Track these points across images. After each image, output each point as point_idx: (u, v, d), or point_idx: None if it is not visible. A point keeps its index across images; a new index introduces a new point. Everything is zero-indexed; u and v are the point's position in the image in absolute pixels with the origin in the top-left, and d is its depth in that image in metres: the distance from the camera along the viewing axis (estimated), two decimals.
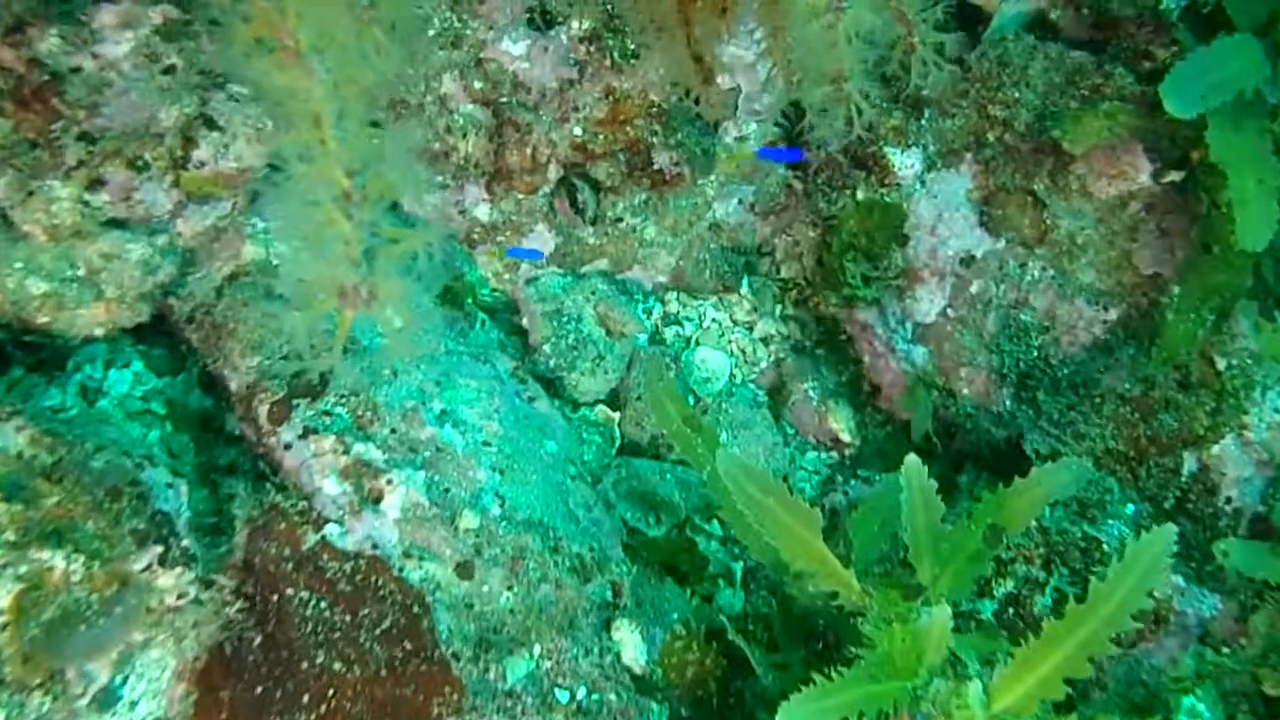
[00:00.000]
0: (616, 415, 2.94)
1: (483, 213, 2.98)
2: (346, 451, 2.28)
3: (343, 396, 2.36)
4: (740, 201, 3.11)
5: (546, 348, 2.89)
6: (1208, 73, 2.41)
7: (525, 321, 2.92)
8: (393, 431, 2.37)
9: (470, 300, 2.92)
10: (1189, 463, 2.73)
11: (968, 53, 2.97)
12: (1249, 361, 2.71)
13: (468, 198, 2.96)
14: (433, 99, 2.87)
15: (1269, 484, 2.71)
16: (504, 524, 2.35)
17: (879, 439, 3.08)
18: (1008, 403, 2.76)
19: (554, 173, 2.95)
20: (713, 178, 3.06)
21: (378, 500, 2.25)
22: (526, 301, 2.92)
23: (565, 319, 2.91)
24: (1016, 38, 2.88)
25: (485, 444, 2.48)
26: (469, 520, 2.31)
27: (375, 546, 2.21)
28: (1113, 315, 2.72)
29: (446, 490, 2.34)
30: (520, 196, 2.96)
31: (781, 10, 1.80)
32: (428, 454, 2.38)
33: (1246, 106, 2.49)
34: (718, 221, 3.11)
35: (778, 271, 3.22)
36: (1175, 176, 2.68)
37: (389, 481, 2.28)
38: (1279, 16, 2.57)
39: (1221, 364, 2.71)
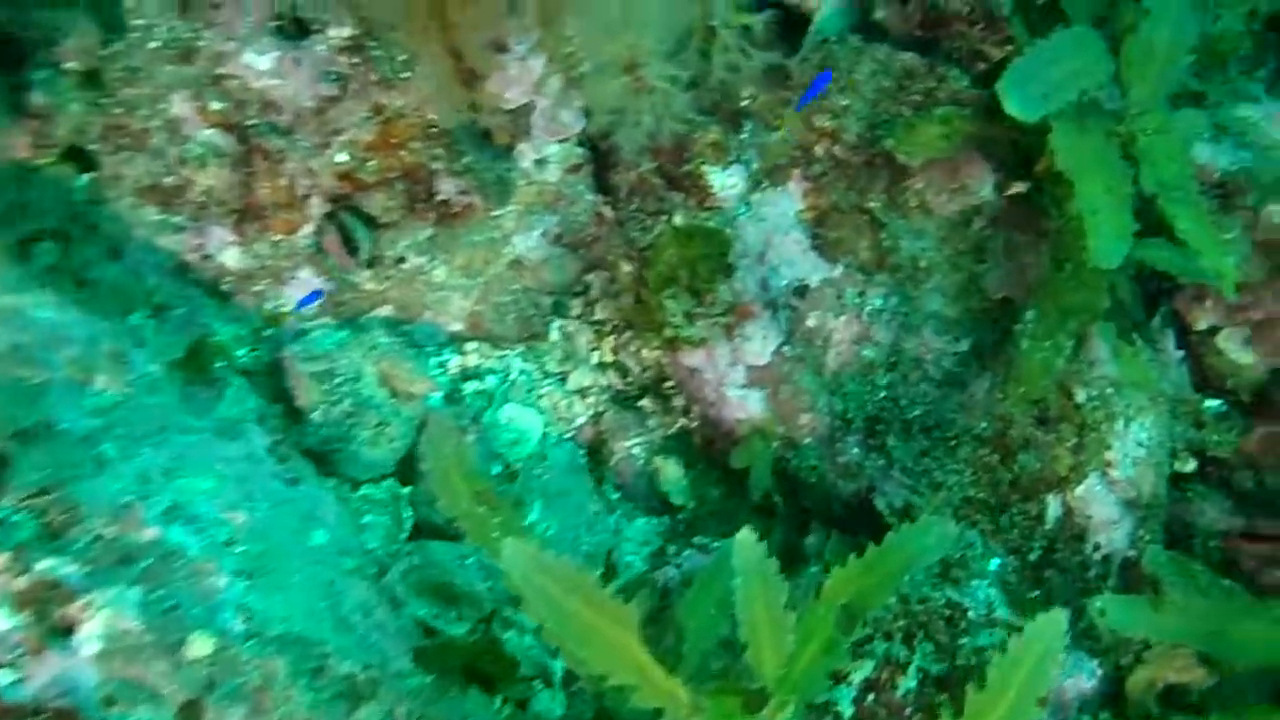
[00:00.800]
0: (406, 491, 2.52)
1: (232, 258, 2.53)
2: (26, 570, 1.79)
3: (26, 497, 1.87)
4: (544, 233, 2.75)
5: (317, 415, 2.45)
6: (1047, 70, 2.19)
7: (291, 385, 2.47)
8: (97, 538, 1.89)
9: (220, 363, 2.46)
10: (1053, 507, 2.49)
11: (789, 59, 2.70)
12: (1109, 391, 2.49)
13: (212, 240, 2.51)
14: (160, 123, 2.42)
15: (1137, 524, 2.49)
16: (249, 644, 1.89)
17: (715, 499, 2.75)
18: (855, 451, 2.47)
19: (317, 207, 2.53)
20: (510, 207, 2.69)
21: (69, 631, 1.77)
22: (292, 361, 2.47)
23: (340, 380, 2.48)
24: (840, 40, 2.63)
25: (228, 543, 2.02)
26: (200, 645, 1.84)
27: (66, 693, 1.73)
28: (964, 346, 2.46)
29: (171, 608, 1.87)
30: (277, 237, 2.53)
31: None
32: (147, 563, 1.90)
33: (1090, 108, 2.28)
34: (519, 258, 2.74)
35: (592, 312, 2.87)
36: (1020, 188, 2.46)
37: (87, 604, 1.80)
38: (1116, 6, 2.37)
39: (1080, 395, 2.48)
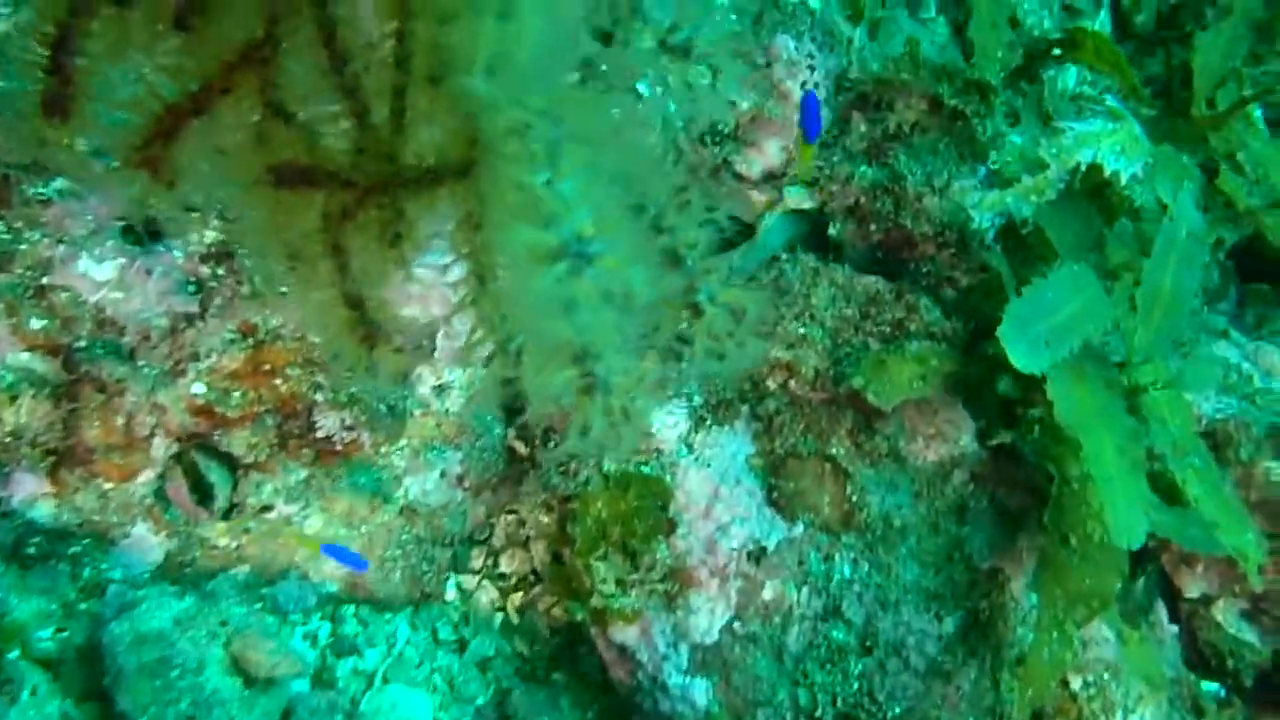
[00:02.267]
0: None
1: (44, 513, 2.06)
2: None
3: None
4: (443, 474, 2.36)
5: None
6: (1047, 314, 1.95)
7: (110, 683, 1.98)
8: None
9: (13, 653, 1.97)
10: None
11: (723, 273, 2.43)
12: (1106, 677, 2.20)
13: (18, 492, 2.04)
14: None
15: None
16: None
17: None
18: None
19: (162, 449, 2.10)
20: (404, 443, 2.31)
21: None
22: (113, 648, 1.99)
23: (177, 671, 2.00)
24: (793, 258, 2.38)
25: None
26: None
27: None
28: (948, 626, 2.14)
29: None
30: (108, 485, 2.08)
31: (487, 245, 1.12)
32: None
33: (1087, 354, 2.05)
34: (412, 503, 2.34)
35: (496, 565, 2.47)
36: (1005, 438, 2.19)
37: None
38: (1106, 242, 2.18)
39: (1076, 683, 2.19)
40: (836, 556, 2.17)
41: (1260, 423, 2.39)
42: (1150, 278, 2.04)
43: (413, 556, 2.39)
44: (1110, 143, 2.15)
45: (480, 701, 2.38)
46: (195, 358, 2.06)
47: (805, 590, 2.15)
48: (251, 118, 1.27)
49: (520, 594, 2.48)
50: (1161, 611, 2.42)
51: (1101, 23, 3.54)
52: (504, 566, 2.49)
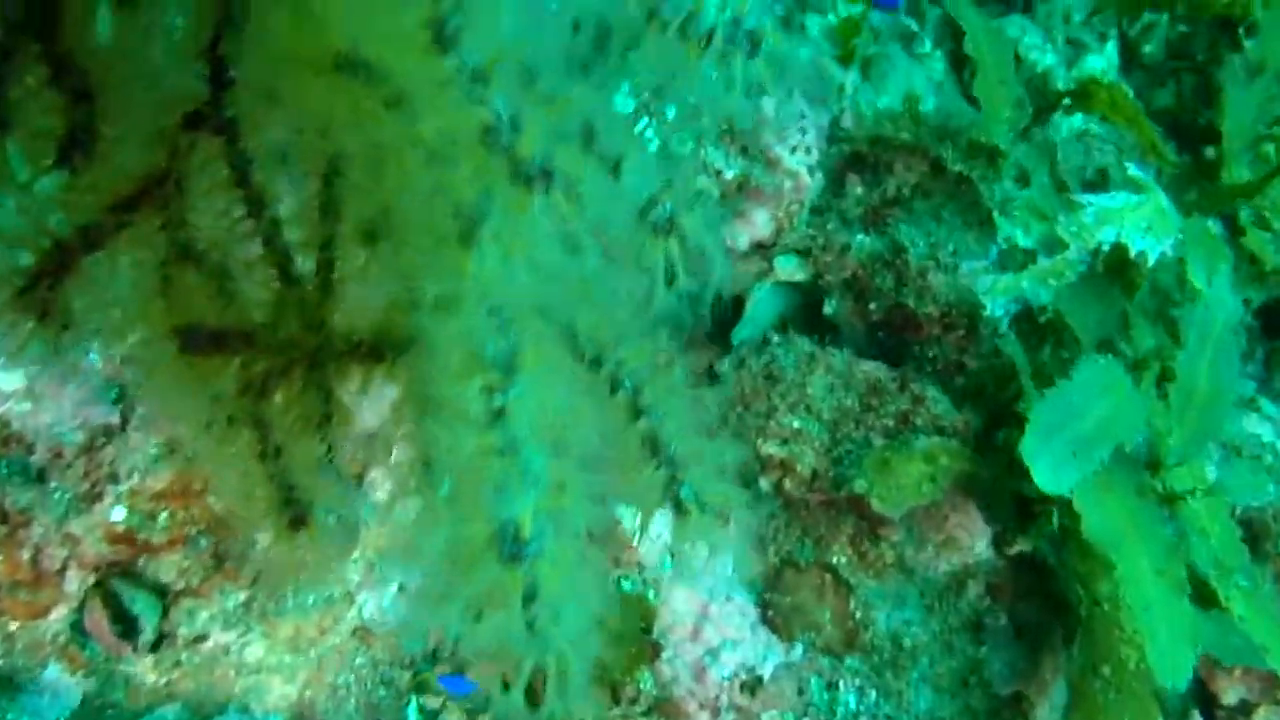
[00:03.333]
0: None
1: None
2: None
3: None
4: (401, 588, 2.18)
5: None
6: (1073, 420, 1.80)
7: None
8: None
9: None
10: None
11: (716, 359, 2.29)
12: None
13: None
14: None
15: None
16: None
17: None
18: None
19: (77, 582, 1.92)
20: (356, 556, 2.13)
21: None
22: None
23: None
24: (786, 341, 2.22)
25: None
26: None
27: None
28: None
29: None
30: (13, 625, 1.90)
31: (431, 444, 0.95)
32: None
33: (1116, 457, 1.90)
34: (365, 624, 2.16)
35: (459, 686, 2.29)
36: (1024, 546, 2.04)
37: None
38: (1130, 326, 2.03)
39: None
40: (841, 683, 2.01)
41: None
42: (1185, 372, 1.90)
43: (368, 681, 2.21)
44: (1135, 219, 2.01)
45: None
46: (114, 478, 1.88)
47: None
48: (155, 258, 1.10)
49: (488, 715, 2.31)
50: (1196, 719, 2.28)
51: (1108, 55, 3.42)
52: (468, 686, 2.32)
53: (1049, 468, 1.70)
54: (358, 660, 2.19)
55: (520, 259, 0.87)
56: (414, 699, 2.28)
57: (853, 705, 1.99)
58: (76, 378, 1.90)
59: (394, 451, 1.24)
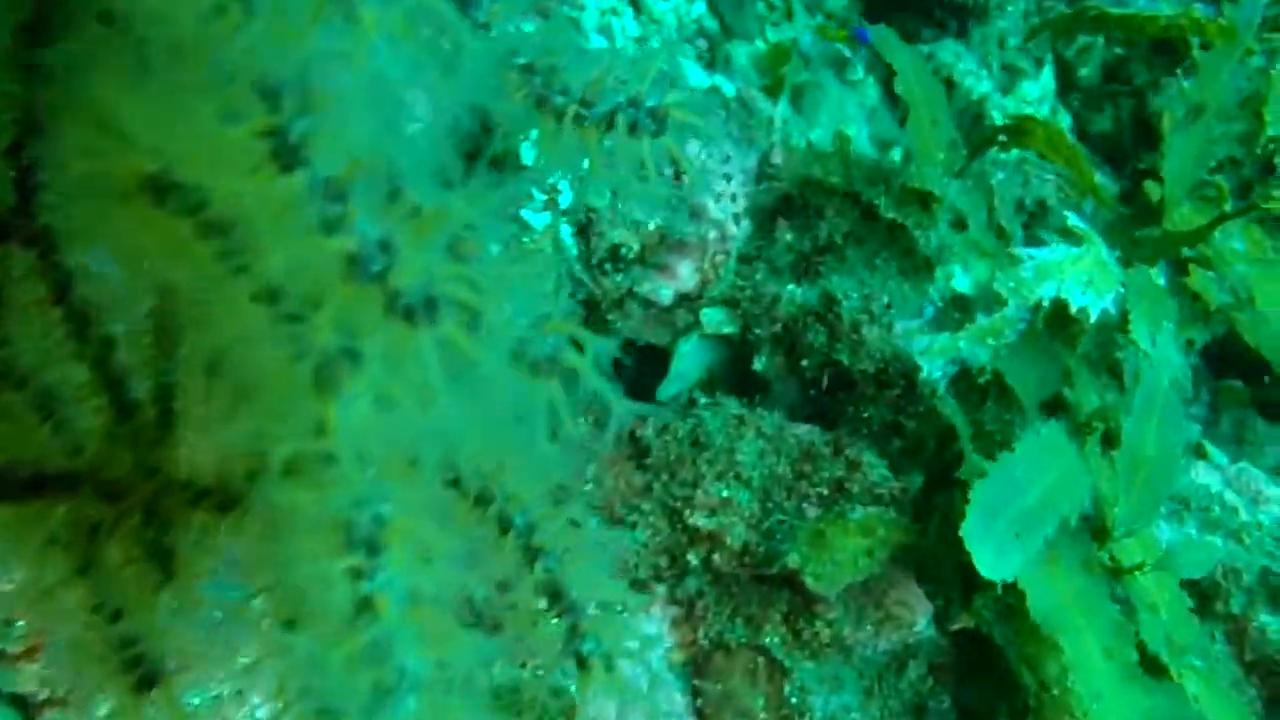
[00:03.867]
0: None
1: None
2: None
3: None
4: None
5: None
6: (1016, 497, 1.71)
7: None
8: None
9: None
10: None
11: (634, 421, 2.18)
12: None
13: None
14: None
15: None
16: None
17: None
18: None
19: None
20: (242, 660, 1.98)
21: None
22: None
23: None
24: (713, 404, 2.12)
25: None
26: None
27: None
28: None
29: None
30: None
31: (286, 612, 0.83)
32: None
33: (1060, 526, 1.82)
34: None
35: None
36: (968, 623, 1.96)
37: None
38: (1074, 384, 1.96)
39: None
40: None
41: (1251, 567, 2.19)
42: (1132, 437, 1.82)
43: None
44: (1075, 272, 1.93)
45: None
46: None
47: None
48: None
49: None
50: None
51: (1044, 81, 3.37)
52: None
53: (992, 553, 1.61)
54: None
55: (403, 405, 0.75)
56: None
57: None
58: None
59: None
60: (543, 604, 0.92)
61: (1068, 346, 1.95)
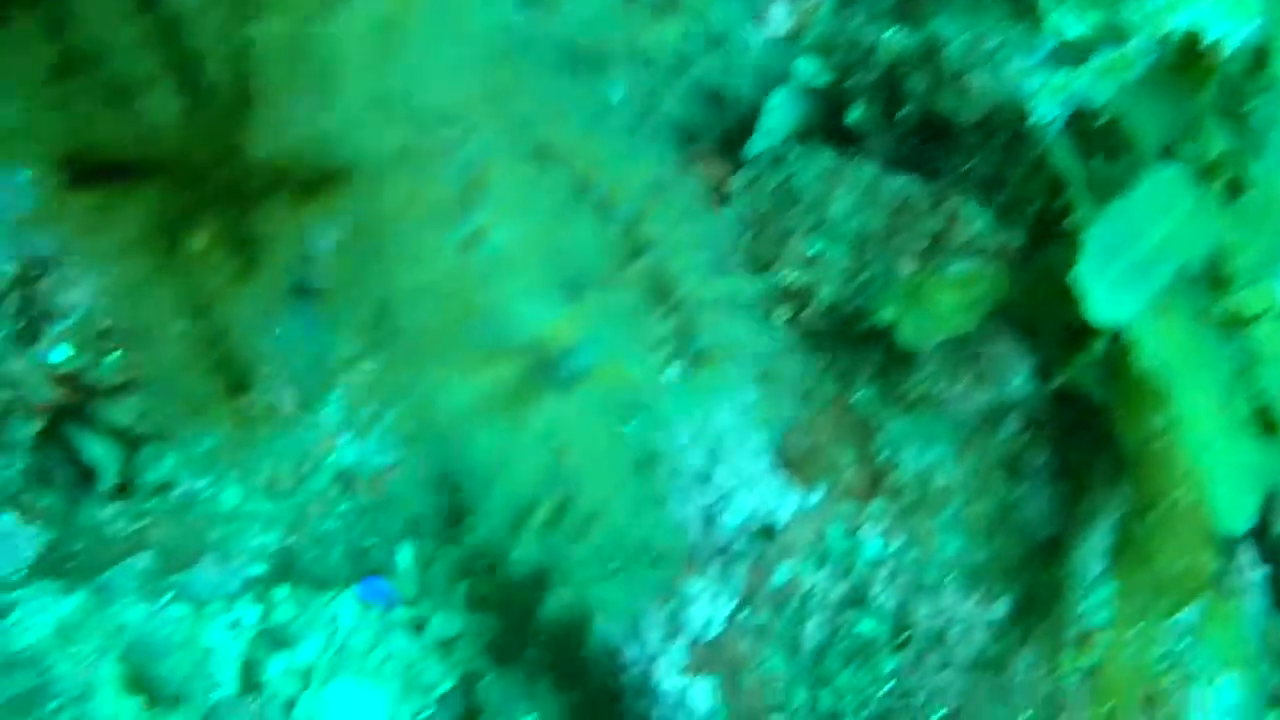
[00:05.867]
0: None
1: None
2: None
3: None
4: (389, 429, 2.07)
5: None
6: (1133, 241, 1.63)
7: None
8: None
9: None
10: None
11: (731, 177, 2.11)
12: (1180, 647, 1.97)
13: None
14: None
15: None
16: None
17: None
18: None
19: (26, 427, 1.80)
20: (335, 398, 2.01)
21: None
22: None
23: (54, 703, 1.75)
24: (804, 153, 2.03)
25: None
26: None
27: None
28: (1000, 610, 1.89)
29: None
30: None
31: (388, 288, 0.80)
32: None
33: (1177, 274, 1.73)
34: (348, 468, 2.06)
35: (457, 530, 2.21)
36: (1067, 378, 1.90)
37: None
38: (1199, 130, 1.83)
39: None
40: (862, 529, 1.90)
41: None
42: (1262, 181, 1.71)
43: (354, 528, 2.12)
44: (1211, 2, 1.78)
45: (443, 689, 2.15)
46: (53, 315, 1.73)
47: (825, 572, 1.89)
48: (40, 66, 0.92)
49: (488, 559, 2.23)
50: (1249, 549, 2.18)
51: None
52: (466, 529, 2.23)
53: (1106, 296, 1.54)
54: (341, 506, 2.09)
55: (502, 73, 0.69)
56: (406, 543, 2.20)
57: (876, 551, 1.89)
58: (2, 197, 1.73)
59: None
60: (648, 298, 0.88)
61: (1195, 86, 1.81)
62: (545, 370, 0.74)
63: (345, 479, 2.06)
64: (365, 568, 2.14)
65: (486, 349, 0.71)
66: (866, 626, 1.86)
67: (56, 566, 1.90)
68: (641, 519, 0.97)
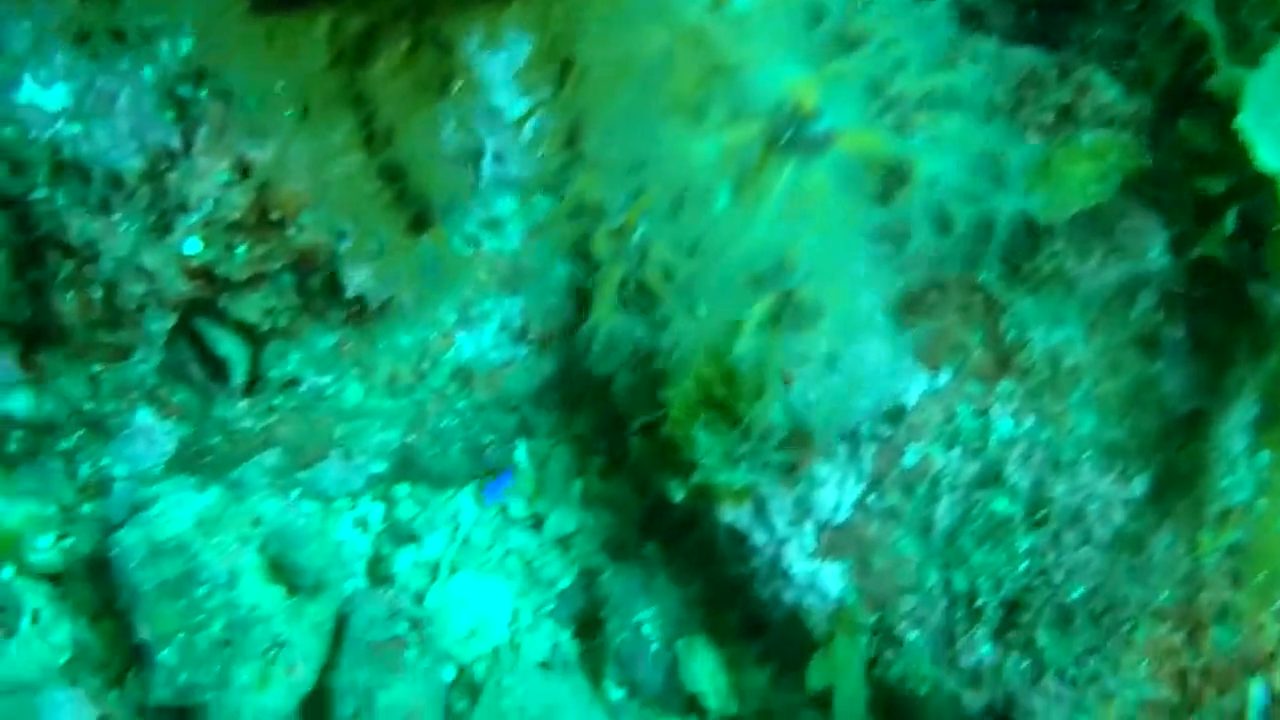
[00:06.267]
0: None
1: (22, 404, 1.80)
2: None
3: None
4: (503, 326, 2.07)
5: (169, 654, 1.74)
6: None
7: (123, 604, 1.76)
8: None
9: (8, 568, 1.75)
10: (1256, 695, 1.92)
11: None
12: None
13: None
14: None
15: None
16: None
17: (760, 690, 2.11)
18: (987, 650, 1.85)
19: (160, 321, 1.81)
20: (452, 294, 2.00)
21: None
22: (122, 564, 1.76)
23: (203, 588, 1.77)
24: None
25: None
26: None
27: None
28: (1139, 488, 1.85)
29: None
30: (98, 367, 1.81)
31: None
32: None
33: None
34: (465, 364, 2.06)
35: (570, 425, 2.21)
36: (1205, 250, 1.83)
37: None
38: None
39: None
40: (993, 410, 1.86)
41: None
42: None
43: (472, 425, 2.12)
44: None
45: (563, 585, 2.16)
46: (184, 208, 1.74)
47: (956, 453, 1.86)
48: None
49: (604, 456, 2.22)
50: None
51: None
52: (580, 426, 2.23)
53: (1272, 143, 1.48)
54: (460, 403, 2.09)
55: None
56: (521, 442, 2.20)
57: (1008, 431, 1.85)
58: (127, 94, 1.74)
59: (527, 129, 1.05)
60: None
61: None
62: (788, 133, 0.72)
63: (463, 375, 2.06)
64: (483, 465, 2.14)
65: (729, 109, 0.69)
66: (1001, 505, 1.82)
67: (192, 462, 1.93)
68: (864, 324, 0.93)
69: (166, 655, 1.72)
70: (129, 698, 1.70)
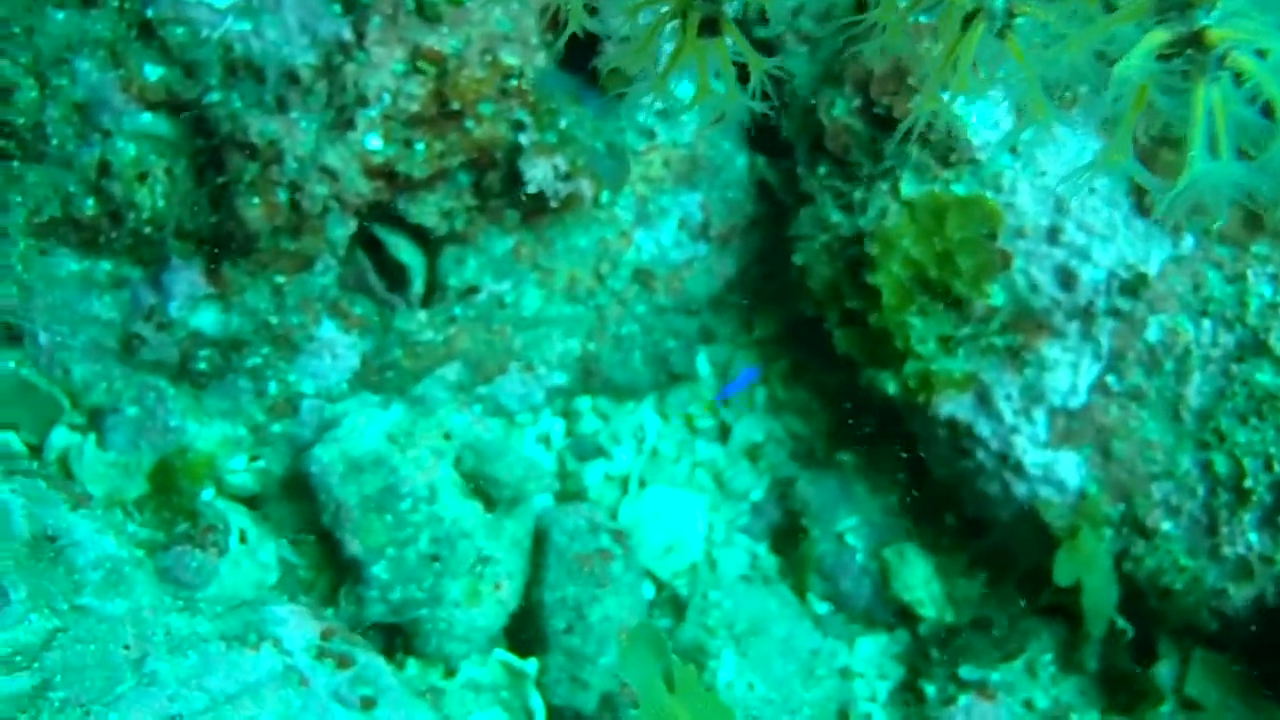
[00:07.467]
0: (530, 668, 1.73)
1: (210, 320, 1.71)
2: None
3: None
4: (682, 223, 1.93)
5: (379, 569, 1.64)
6: None
7: (329, 521, 1.66)
8: None
9: (207, 492, 1.66)
10: None
11: None
12: None
13: (173, 296, 1.68)
14: (63, 111, 1.58)
15: None
16: None
17: (974, 599, 1.96)
18: (1253, 538, 1.67)
19: (341, 227, 1.70)
20: (629, 190, 1.87)
21: None
22: (323, 481, 1.66)
23: (406, 502, 1.67)
24: None
25: None
26: None
27: None
28: None
29: None
30: (280, 279, 1.71)
31: None
32: None
33: None
34: (645, 265, 1.92)
35: (751, 329, 2.07)
36: None
37: None
38: None
39: None
40: (1249, 274, 1.68)
41: None
42: None
43: (654, 331, 1.99)
44: None
45: (756, 496, 2.03)
46: (363, 101, 1.62)
47: (1208, 323, 1.68)
48: None
49: (788, 361, 2.08)
50: None
51: None
52: (761, 330, 2.09)
53: None
54: (639, 308, 1.96)
55: None
56: (703, 349, 2.07)
57: (1267, 295, 1.66)
58: None
59: None
60: None
61: None
62: None
63: (643, 277, 1.92)
64: (664, 374, 2.01)
65: None
66: (1266, 378, 1.64)
67: (375, 376, 1.82)
68: None
69: (379, 570, 1.62)
70: (344, 614, 1.60)
